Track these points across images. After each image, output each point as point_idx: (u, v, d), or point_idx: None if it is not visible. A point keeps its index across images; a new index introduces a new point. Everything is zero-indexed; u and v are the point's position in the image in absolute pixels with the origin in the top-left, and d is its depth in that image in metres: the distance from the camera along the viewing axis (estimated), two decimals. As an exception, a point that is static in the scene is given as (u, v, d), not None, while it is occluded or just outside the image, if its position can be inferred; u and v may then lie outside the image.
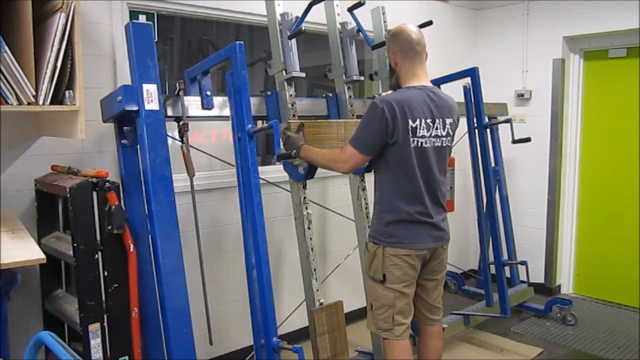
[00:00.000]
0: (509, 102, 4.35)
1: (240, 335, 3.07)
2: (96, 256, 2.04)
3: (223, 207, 3.06)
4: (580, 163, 4.34)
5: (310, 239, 2.61)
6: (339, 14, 2.86)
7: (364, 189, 2.86)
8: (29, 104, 1.88)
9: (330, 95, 2.93)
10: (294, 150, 2.34)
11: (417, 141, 2.16)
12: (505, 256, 3.92)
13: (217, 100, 2.50)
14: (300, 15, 2.54)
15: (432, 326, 2.43)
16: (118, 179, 2.28)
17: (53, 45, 1.90)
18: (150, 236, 2.16)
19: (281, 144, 2.39)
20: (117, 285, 2.09)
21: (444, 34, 4.30)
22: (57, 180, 2.15)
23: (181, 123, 2.36)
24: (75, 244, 1.98)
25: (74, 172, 2.21)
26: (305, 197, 2.62)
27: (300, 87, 4.29)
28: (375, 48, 2.85)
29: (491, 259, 3.60)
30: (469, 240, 4.77)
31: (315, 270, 2.60)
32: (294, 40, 2.58)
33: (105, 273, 2.08)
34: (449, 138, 2.28)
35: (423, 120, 2.16)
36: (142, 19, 2.71)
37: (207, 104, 2.47)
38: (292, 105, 2.62)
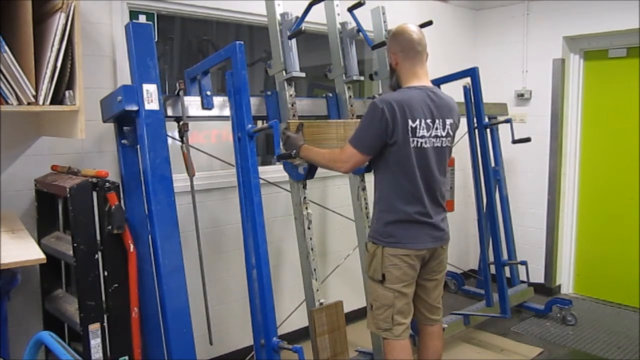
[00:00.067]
0: (509, 102, 4.35)
1: (240, 335, 3.07)
2: (96, 256, 2.04)
3: (223, 207, 3.06)
4: (580, 163, 4.34)
5: (310, 239, 2.61)
6: (339, 14, 2.85)
7: (364, 189, 2.86)
8: (29, 104, 1.88)
9: (330, 95, 2.93)
10: (294, 150, 2.34)
11: (417, 141, 2.16)
12: (505, 256, 3.92)
13: (217, 100, 2.50)
14: (300, 15, 2.54)
15: (432, 326, 2.43)
16: (118, 179, 2.28)
17: (53, 45, 1.90)
18: (150, 236, 2.16)
19: (281, 144, 2.39)
20: (117, 285, 2.09)
21: (444, 34, 4.30)
22: (57, 180, 2.15)
23: (181, 123, 2.36)
24: (75, 244, 1.98)
25: (74, 172, 2.21)
26: (305, 197, 2.62)
27: (300, 87, 4.29)
28: (375, 48, 2.85)
29: (491, 259, 3.60)
30: (469, 240, 4.77)
31: (315, 270, 2.60)
32: (294, 40, 2.58)
33: (105, 273, 2.08)
34: (449, 138, 2.28)
35: (423, 121, 2.16)
36: (142, 19, 2.71)
37: (207, 104, 2.47)
38: (292, 105, 2.62)
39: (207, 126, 3.41)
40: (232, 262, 3.07)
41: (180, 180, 2.50)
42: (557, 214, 4.32)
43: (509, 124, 3.72)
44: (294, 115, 2.61)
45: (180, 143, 2.37)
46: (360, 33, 2.85)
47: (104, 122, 2.36)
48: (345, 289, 3.43)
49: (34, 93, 1.88)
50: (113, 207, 2.03)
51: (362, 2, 2.69)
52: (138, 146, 2.22)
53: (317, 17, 2.84)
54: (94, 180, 2.03)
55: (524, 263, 3.82)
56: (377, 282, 2.26)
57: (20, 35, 1.87)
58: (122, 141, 2.30)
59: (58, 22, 1.90)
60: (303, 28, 2.43)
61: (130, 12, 2.68)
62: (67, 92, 1.96)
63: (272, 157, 3.67)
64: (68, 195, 1.97)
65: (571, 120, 4.31)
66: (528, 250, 4.35)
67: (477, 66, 3.40)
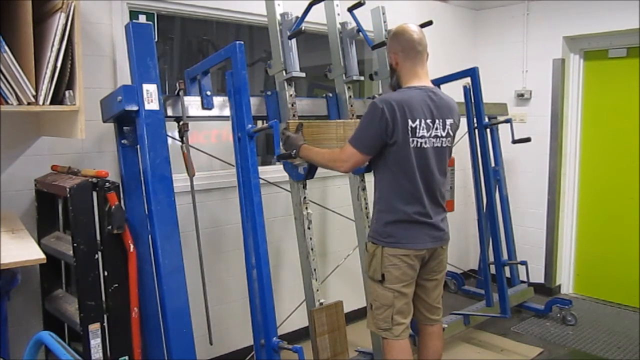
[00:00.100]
0: (509, 102, 4.35)
1: (240, 335, 3.07)
2: (96, 256, 2.04)
3: (223, 207, 3.06)
4: (580, 163, 4.34)
5: (310, 239, 2.61)
6: (339, 14, 2.85)
7: (364, 189, 2.86)
8: (29, 104, 1.88)
9: (330, 95, 2.93)
10: (294, 150, 2.34)
11: (417, 141, 2.16)
12: (505, 256, 3.91)
13: (217, 100, 2.50)
14: (300, 15, 2.54)
15: (432, 326, 2.43)
16: (118, 179, 2.28)
17: (53, 45, 1.90)
18: (150, 236, 2.16)
19: (281, 144, 2.39)
20: (117, 285, 2.09)
21: (444, 34, 4.30)
22: (57, 180, 2.15)
23: (181, 123, 2.36)
24: (75, 244, 1.98)
25: (74, 172, 2.21)
26: (305, 197, 2.62)
27: (300, 87, 4.29)
28: (375, 48, 2.85)
29: (491, 259, 3.60)
30: (469, 240, 4.77)
31: (315, 270, 2.60)
32: (294, 40, 2.58)
33: (105, 273, 2.08)
34: (449, 139, 2.28)
35: (423, 121, 2.16)
36: (142, 19, 2.71)
37: (207, 104, 2.47)
38: (292, 105, 2.62)
39: (207, 126, 3.41)
40: (232, 262, 3.07)
41: (180, 180, 2.50)
42: (557, 214, 4.32)
43: (509, 124, 3.72)
44: (294, 115, 2.61)
45: (180, 143, 2.37)
46: (360, 33, 2.85)
47: (104, 122, 2.36)
48: (345, 289, 3.43)
49: (34, 93, 1.88)
50: (113, 207, 2.03)
51: (362, 2, 2.69)
52: (138, 146, 2.22)
53: (317, 17, 2.84)
54: (94, 180, 2.03)
55: (524, 263, 3.82)
56: (377, 282, 2.26)
57: (20, 35, 1.87)
58: (122, 141, 2.30)
59: (58, 22, 1.90)
60: (303, 28, 2.43)
61: (130, 12, 2.68)
62: (67, 92, 1.96)
63: (272, 157, 3.67)
64: (68, 195, 1.97)
65: (571, 120, 4.31)
66: (528, 250, 4.35)
67: (477, 66, 3.40)
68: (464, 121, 3.11)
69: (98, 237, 2.07)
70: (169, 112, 2.36)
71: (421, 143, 2.17)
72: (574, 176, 4.35)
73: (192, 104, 2.43)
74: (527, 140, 3.73)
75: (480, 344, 3.46)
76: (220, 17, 3.10)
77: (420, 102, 2.17)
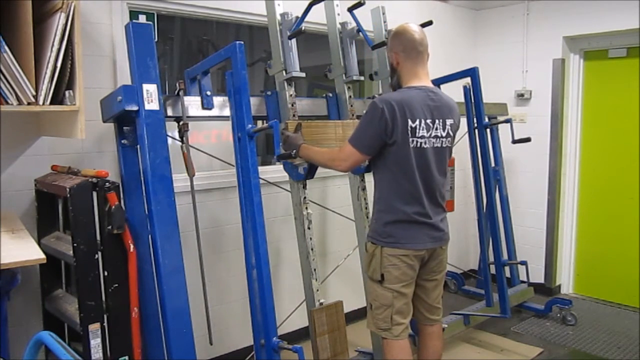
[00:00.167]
0: (509, 102, 4.35)
1: (240, 335, 3.07)
2: (96, 256, 2.04)
3: (223, 207, 3.06)
4: (580, 163, 4.34)
5: (310, 239, 2.61)
6: (339, 14, 2.85)
7: (364, 189, 2.86)
8: (29, 104, 1.88)
9: (330, 95, 2.93)
10: (294, 150, 2.34)
11: (417, 141, 2.16)
12: (505, 256, 3.92)
13: (217, 100, 2.50)
14: (300, 15, 2.54)
15: (432, 326, 2.43)
16: (118, 179, 2.28)
17: (53, 45, 1.90)
18: (150, 236, 2.16)
19: (281, 144, 2.39)
20: (117, 285, 2.09)
21: (444, 34, 4.30)
22: (57, 180, 2.15)
23: (181, 123, 2.37)
24: (75, 244, 1.98)
25: (74, 172, 2.21)
26: (305, 197, 2.62)
27: (300, 87, 4.29)
28: (375, 48, 2.85)
29: (491, 259, 3.60)
30: (469, 240, 4.77)
31: (315, 270, 2.60)
32: (294, 40, 2.58)
33: (105, 273, 2.08)
34: (449, 139, 2.28)
35: (423, 121, 2.16)
36: (142, 19, 2.71)
37: (207, 104, 2.47)
38: (292, 105, 2.62)
39: (207, 126, 3.40)
40: (232, 262, 3.07)
41: (180, 180, 2.50)
42: (557, 214, 4.32)
43: (509, 124, 3.72)
44: (294, 115, 2.61)
45: (180, 143, 2.37)
46: (360, 33, 2.85)
47: (104, 122, 2.36)
48: (345, 289, 3.43)
49: (34, 93, 1.88)
50: (113, 207, 2.03)
51: (362, 2, 2.69)
52: (138, 146, 2.22)
53: (317, 17, 2.84)
54: (94, 180, 2.03)
55: (524, 263, 3.82)
56: (376, 282, 2.26)
57: (20, 35, 1.87)
58: (122, 141, 2.30)
59: (58, 22, 1.90)
60: (303, 28, 2.43)
61: (130, 12, 2.68)
62: (67, 92, 1.96)
63: (272, 157, 3.67)
64: (68, 195, 1.97)
65: (571, 120, 4.31)
66: (528, 250, 4.35)
67: (477, 66, 3.40)
68: (464, 121, 3.10)
69: (98, 237, 2.07)
70: (169, 112, 2.36)
71: (421, 143, 2.17)
72: (574, 176, 4.35)
73: (192, 104, 2.44)
74: (527, 140, 3.73)
75: (480, 344, 3.46)
76: (220, 17, 3.10)
77: (420, 102, 2.17)
